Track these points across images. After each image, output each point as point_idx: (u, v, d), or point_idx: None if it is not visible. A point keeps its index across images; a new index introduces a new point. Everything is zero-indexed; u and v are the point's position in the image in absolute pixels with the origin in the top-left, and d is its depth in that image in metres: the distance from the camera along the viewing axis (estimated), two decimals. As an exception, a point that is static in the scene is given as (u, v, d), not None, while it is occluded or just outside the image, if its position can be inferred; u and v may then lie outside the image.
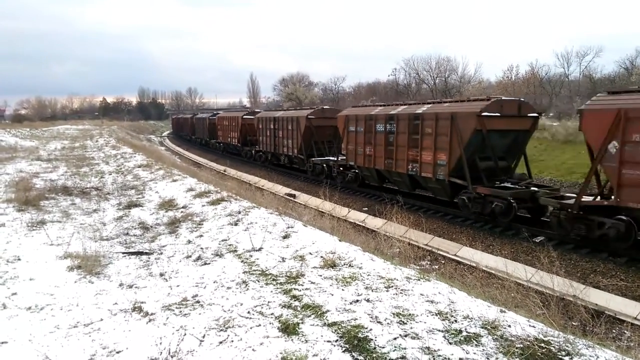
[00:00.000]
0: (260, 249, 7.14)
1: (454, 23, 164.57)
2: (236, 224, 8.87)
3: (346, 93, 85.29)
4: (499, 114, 13.84)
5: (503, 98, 14.58)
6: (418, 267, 8.19)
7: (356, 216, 15.75)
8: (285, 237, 7.71)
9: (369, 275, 5.71)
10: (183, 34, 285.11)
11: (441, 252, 11.84)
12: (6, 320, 4.98)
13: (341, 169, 21.50)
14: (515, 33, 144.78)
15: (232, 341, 4.21)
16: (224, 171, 28.94)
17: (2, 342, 4.44)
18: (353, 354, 3.83)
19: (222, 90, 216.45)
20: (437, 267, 10.84)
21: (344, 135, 20.14)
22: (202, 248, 7.74)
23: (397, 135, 16.72)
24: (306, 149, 25.33)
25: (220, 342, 4.21)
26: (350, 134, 19.55)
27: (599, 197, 11.34)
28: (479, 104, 14.19)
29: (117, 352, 4.24)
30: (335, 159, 22.80)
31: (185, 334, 4.40)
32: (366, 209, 17.01)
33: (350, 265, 6.10)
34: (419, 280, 5.56)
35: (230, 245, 7.67)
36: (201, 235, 8.58)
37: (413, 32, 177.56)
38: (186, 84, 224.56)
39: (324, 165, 23.35)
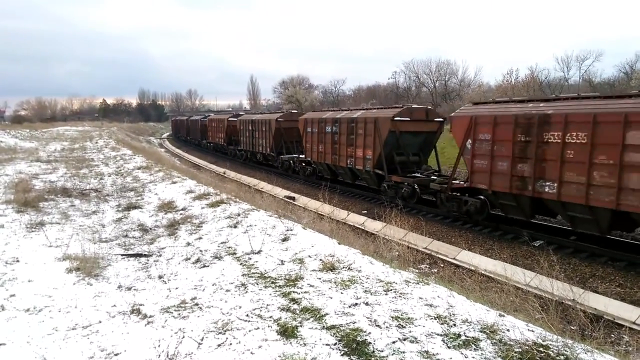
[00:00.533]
0: (259, 252, 7.14)
1: (455, 27, 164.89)
2: (235, 227, 8.87)
3: (346, 96, 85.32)
4: (409, 119, 17.52)
5: (413, 106, 18.70)
6: (417, 271, 8.18)
7: (355, 219, 15.75)
8: (285, 239, 7.71)
9: (368, 278, 5.71)
10: (184, 35, 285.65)
11: (440, 256, 11.83)
12: (5, 322, 4.97)
13: (303, 164, 25.21)
14: (515, 37, 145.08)
15: (231, 344, 4.21)
16: (224, 173, 28.94)
17: (1, 344, 4.43)
18: (352, 357, 3.83)
19: (222, 92, 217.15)
20: (436, 270, 10.83)
21: (304, 135, 23.94)
22: (201, 250, 7.74)
23: (340, 135, 20.39)
24: (276, 147, 29.37)
25: (219, 345, 4.21)
26: (308, 134, 23.46)
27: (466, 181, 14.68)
28: (393, 110, 17.96)
29: (116, 355, 4.23)
30: (297, 156, 26.53)
31: (183, 337, 4.39)
32: (365, 212, 17.01)
33: (349, 269, 6.10)
34: (418, 283, 5.56)
35: (229, 247, 7.66)
36: (200, 238, 8.57)
37: (413, 35, 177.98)
38: (186, 86, 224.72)
39: (290, 161, 27.04)
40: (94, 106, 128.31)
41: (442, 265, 11.29)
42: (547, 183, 11.63)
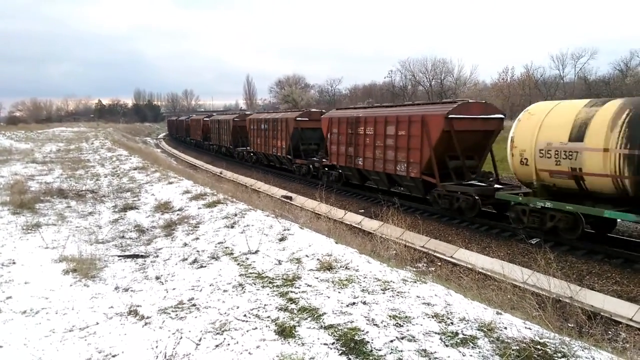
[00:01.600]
0: (256, 252, 7.13)
1: (450, 25, 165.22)
2: (232, 227, 8.86)
3: (342, 95, 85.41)
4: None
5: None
6: (414, 269, 8.19)
7: (352, 218, 15.75)
8: (282, 239, 7.71)
9: (365, 277, 5.72)
10: (179, 35, 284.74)
11: (437, 254, 11.85)
12: (1, 324, 4.95)
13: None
14: (510, 35, 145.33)
15: (229, 344, 4.21)
16: (220, 173, 28.91)
17: (-3, 347, 4.42)
18: (350, 356, 3.83)
19: (218, 92, 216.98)
20: (433, 269, 10.84)
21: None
22: (198, 251, 7.72)
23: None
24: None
25: (217, 346, 4.21)
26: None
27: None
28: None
29: (113, 356, 4.22)
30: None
31: (181, 338, 4.39)
32: (362, 211, 17.01)
33: (346, 268, 6.10)
34: (415, 282, 5.56)
35: (226, 248, 7.66)
36: (197, 238, 8.56)
37: (409, 34, 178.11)
38: (182, 86, 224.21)
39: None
40: (90, 107, 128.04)
41: (439, 263, 11.30)
42: (359, 159, 19.02)
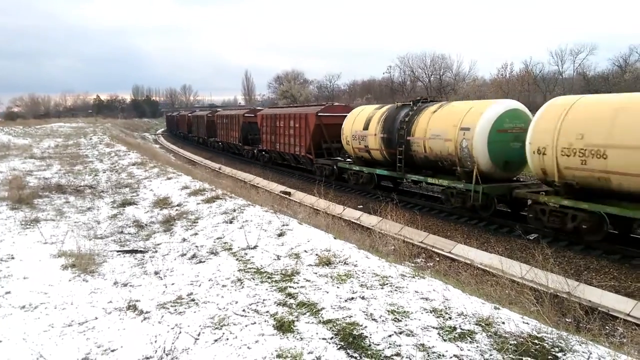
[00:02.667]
0: (255, 247, 7.14)
1: (449, 21, 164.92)
2: (231, 222, 8.86)
3: (341, 91, 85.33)
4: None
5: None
6: (413, 265, 8.21)
7: (351, 214, 15.77)
8: (281, 235, 7.71)
9: (364, 272, 5.73)
10: (176, 31, 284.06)
11: (436, 250, 11.87)
12: (0, 319, 4.96)
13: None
14: (510, 31, 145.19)
15: (228, 339, 4.22)
16: (219, 169, 28.90)
17: (-4, 341, 4.42)
18: (348, 351, 3.84)
19: (216, 88, 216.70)
20: (431, 264, 10.87)
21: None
22: (197, 246, 7.73)
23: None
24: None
25: (216, 340, 4.22)
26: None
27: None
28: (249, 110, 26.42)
29: (112, 351, 4.23)
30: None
31: (180, 332, 4.39)
32: (361, 206, 17.03)
33: (345, 263, 6.11)
34: (413, 277, 5.58)
35: (225, 243, 7.66)
36: (196, 234, 8.56)
37: (408, 30, 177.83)
38: (180, 82, 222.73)
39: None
40: (88, 102, 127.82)
41: (437, 259, 11.33)
42: (278, 144, 26.74)
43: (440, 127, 14.92)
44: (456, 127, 14.07)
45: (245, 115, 34.33)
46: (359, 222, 14.58)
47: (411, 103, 17.29)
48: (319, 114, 23.24)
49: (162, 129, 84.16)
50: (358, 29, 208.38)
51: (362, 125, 18.62)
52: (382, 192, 16.83)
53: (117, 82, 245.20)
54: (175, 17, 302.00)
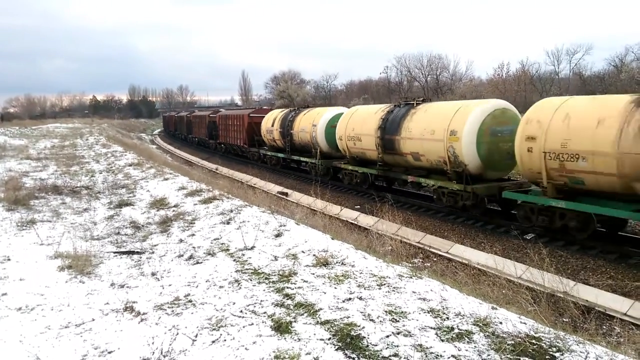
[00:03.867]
0: (252, 248, 7.13)
1: (446, 21, 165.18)
2: (228, 223, 8.85)
3: (338, 91, 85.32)
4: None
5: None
6: (410, 265, 8.21)
7: (348, 214, 15.76)
8: (278, 235, 7.71)
9: (361, 273, 5.73)
10: (172, 30, 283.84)
11: (433, 250, 11.88)
12: (-4, 321, 4.94)
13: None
14: (506, 31, 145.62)
15: (225, 340, 4.21)
16: (216, 169, 28.84)
17: (-8, 343, 4.40)
18: (346, 351, 3.84)
19: (213, 88, 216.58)
20: (429, 264, 10.88)
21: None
22: (194, 247, 7.71)
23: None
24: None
25: (213, 342, 4.21)
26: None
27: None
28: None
29: (109, 352, 4.22)
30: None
31: (177, 334, 4.39)
32: (358, 207, 17.03)
33: (342, 264, 6.11)
34: (411, 278, 5.58)
35: (222, 244, 7.65)
36: (193, 234, 8.54)
37: (405, 30, 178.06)
38: (177, 82, 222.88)
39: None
40: (84, 103, 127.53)
41: (435, 259, 11.34)
42: (229, 138, 35.23)
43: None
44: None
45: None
46: (356, 223, 14.58)
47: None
48: (251, 115, 32.49)
49: (159, 130, 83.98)
50: (355, 29, 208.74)
51: (271, 123, 27.43)
52: (281, 168, 27.06)
53: (113, 83, 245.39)
54: (172, 17, 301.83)
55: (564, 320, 6.67)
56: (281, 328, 4.34)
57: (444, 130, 14.02)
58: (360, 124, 18.58)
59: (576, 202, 10.87)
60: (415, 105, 16.32)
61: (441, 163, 14.44)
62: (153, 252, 7.76)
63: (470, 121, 13.43)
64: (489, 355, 3.69)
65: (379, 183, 19.44)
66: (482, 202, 13.82)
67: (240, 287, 5.58)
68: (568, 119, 10.65)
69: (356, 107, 22.55)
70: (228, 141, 36.93)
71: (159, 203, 11.57)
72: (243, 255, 6.89)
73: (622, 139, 9.54)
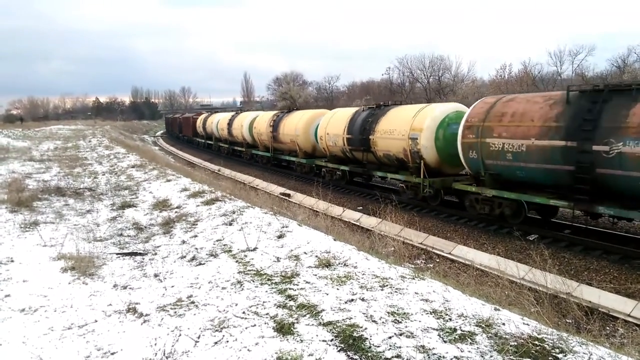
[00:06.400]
0: (255, 249, 7.13)
1: (448, 22, 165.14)
2: (231, 224, 8.86)
3: (340, 92, 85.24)
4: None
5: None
6: (413, 266, 8.21)
7: (351, 215, 15.75)
8: (280, 236, 7.71)
9: (363, 274, 5.72)
10: (174, 33, 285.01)
11: (435, 251, 11.86)
12: (0, 323, 4.95)
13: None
14: (508, 32, 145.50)
15: (227, 341, 4.21)
16: (218, 171, 28.86)
17: (-4, 345, 4.41)
18: (348, 353, 3.84)
19: (215, 90, 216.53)
20: (431, 265, 10.86)
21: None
22: (196, 248, 7.72)
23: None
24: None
25: (216, 343, 4.21)
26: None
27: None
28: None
29: (112, 354, 4.23)
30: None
31: (180, 335, 4.39)
32: (361, 208, 17.01)
33: (345, 265, 6.11)
34: (413, 279, 5.57)
35: (224, 245, 7.65)
36: (195, 236, 8.55)
37: (407, 31, 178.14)
38: (179, 84, 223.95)
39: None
40: (87, 105, 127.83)
41: (437, 260, 11.32)
42: (187, 131, 53.22)
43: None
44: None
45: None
46: (358, 224, 14.57)
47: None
48: (194, 117, 47.51)
49: (162, 131, 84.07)
50: (357, 31, 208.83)
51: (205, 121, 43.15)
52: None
53: (116, 85, 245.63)
54: (173, 19, 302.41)
55: (567, 321, 6.66)
56: (283, 329, 4.34)
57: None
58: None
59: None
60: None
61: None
62: (156, 254, 7.77)
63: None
64: (491, 356, 3.68)
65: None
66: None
67: (242, 289, 5.58)
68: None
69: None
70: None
71: (162, 204, 11.59)
72: (245, 256, 6.89)
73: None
